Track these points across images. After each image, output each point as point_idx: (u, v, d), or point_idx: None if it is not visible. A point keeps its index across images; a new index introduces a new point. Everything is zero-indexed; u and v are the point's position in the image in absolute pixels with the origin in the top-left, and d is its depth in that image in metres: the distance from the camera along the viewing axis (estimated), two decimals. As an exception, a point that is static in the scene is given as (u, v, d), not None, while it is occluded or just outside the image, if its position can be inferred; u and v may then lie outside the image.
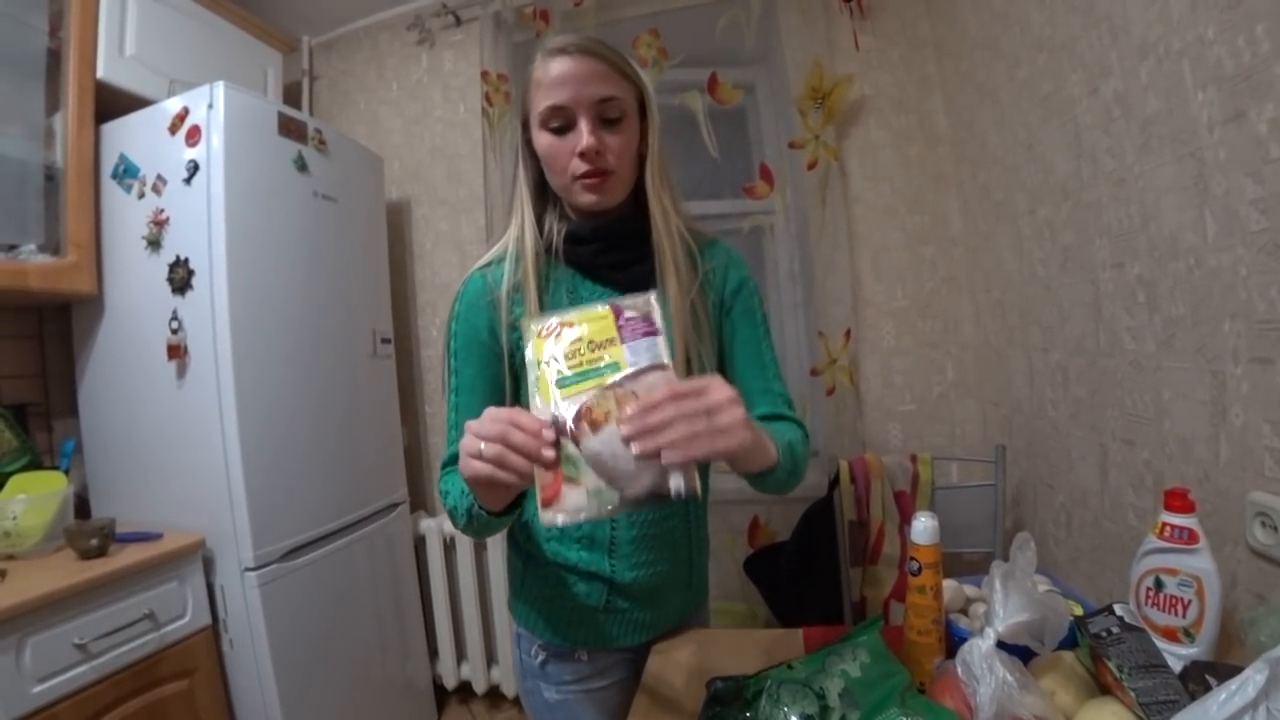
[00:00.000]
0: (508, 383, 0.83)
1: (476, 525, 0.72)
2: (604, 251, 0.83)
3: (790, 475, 0.77)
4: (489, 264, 0.86)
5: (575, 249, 0.83)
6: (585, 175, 0.78)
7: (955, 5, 1.71)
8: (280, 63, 2.11)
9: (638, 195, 0.84)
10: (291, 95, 2.21)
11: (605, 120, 0.78)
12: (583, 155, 0.76)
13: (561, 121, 0.77)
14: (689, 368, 0.81)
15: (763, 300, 0.92)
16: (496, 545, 2.01)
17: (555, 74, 0.76)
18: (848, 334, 1.86)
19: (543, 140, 0.79)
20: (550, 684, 0.90)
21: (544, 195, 0.86)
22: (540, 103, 0.77)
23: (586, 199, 0.80)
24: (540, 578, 0.89)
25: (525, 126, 0.83)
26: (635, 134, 0.81)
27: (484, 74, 2.06)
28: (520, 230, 0.84)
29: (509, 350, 0.82)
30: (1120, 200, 1.10)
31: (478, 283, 0.84)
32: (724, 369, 0.90)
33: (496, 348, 0.82)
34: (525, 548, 0.91)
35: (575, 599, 0.87)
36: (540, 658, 0.90)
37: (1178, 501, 0.76)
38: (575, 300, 0.83)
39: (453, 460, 0.79)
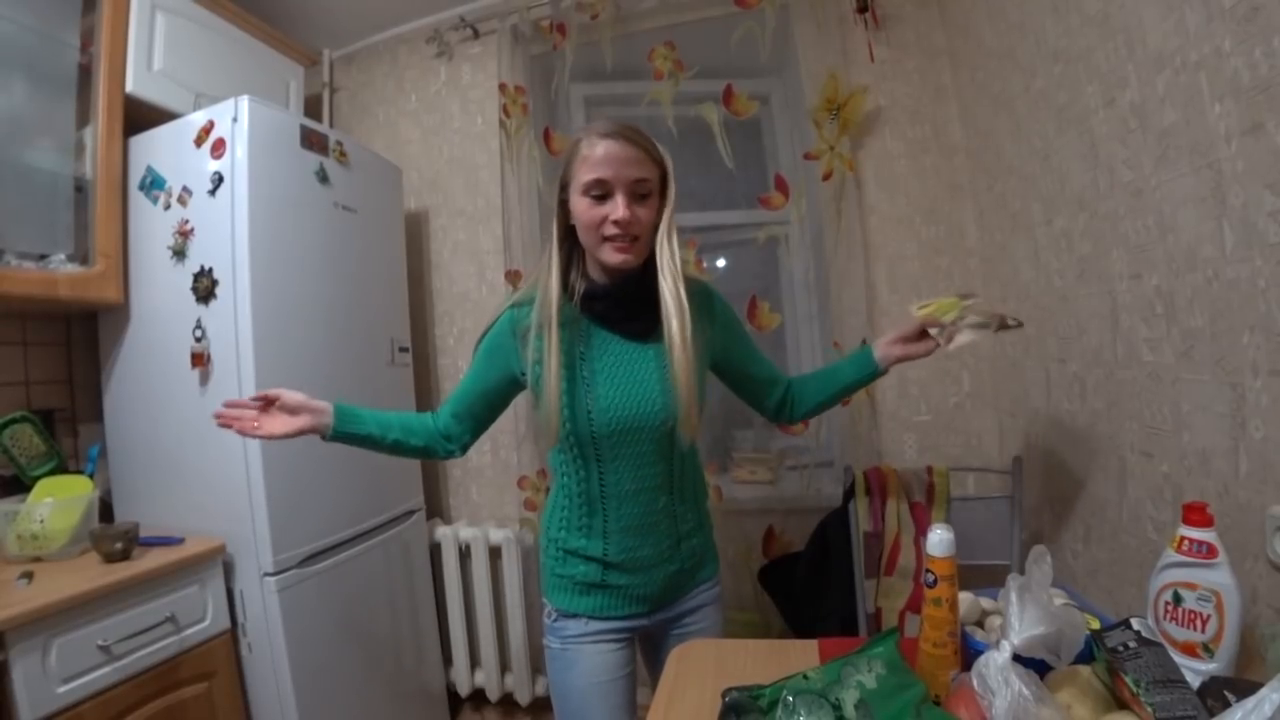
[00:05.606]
0: (504, 387, 1.09)
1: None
2: (615, 307, 1.02)
3: None
4: (520, 303, 1.05)
5: (592, 304, 1.02)
6: (617, 239, 0.95)
7: (970, 16, 1.71)
8: (302, 76, 2.15)
9: (648, 256, 1.01)
10: (313, 107, 2.25)
11: (637, 196, 0.95)
12: (617, 223, 0.94)
13: (601, 192, 0.94)
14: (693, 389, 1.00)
15: (735, 311, 1.18)
16: (510, 557, 2.02)
17: (601, 153, 0.93)
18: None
19: (581, 204, 0.96)
20: (557, 638, 1.09)
21: (570, 248, 1.04)
22: (585, 175, 0.94)
23: (616, 259, 0.96)
24: (556, 558, 1.10)
25: (563, 188, 1.01)
26: (657, 208, 0.98)
27: (501, 86, 2.08)
28: (549, 278, 1.01)
29: (519, 370, 1.05)
30: (1137, 211, 1.09)
31: (508, 319, 1.05)
32: (722, 368, 1.16)
33: (504, 366, 1.05)
34: (547, 535, 1.12)
35: (579, 575, 1.07)
36: (554, 616, 1.10)
37: (1197, 515, 0.76)
38: (586, 344, 1.03)
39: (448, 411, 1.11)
